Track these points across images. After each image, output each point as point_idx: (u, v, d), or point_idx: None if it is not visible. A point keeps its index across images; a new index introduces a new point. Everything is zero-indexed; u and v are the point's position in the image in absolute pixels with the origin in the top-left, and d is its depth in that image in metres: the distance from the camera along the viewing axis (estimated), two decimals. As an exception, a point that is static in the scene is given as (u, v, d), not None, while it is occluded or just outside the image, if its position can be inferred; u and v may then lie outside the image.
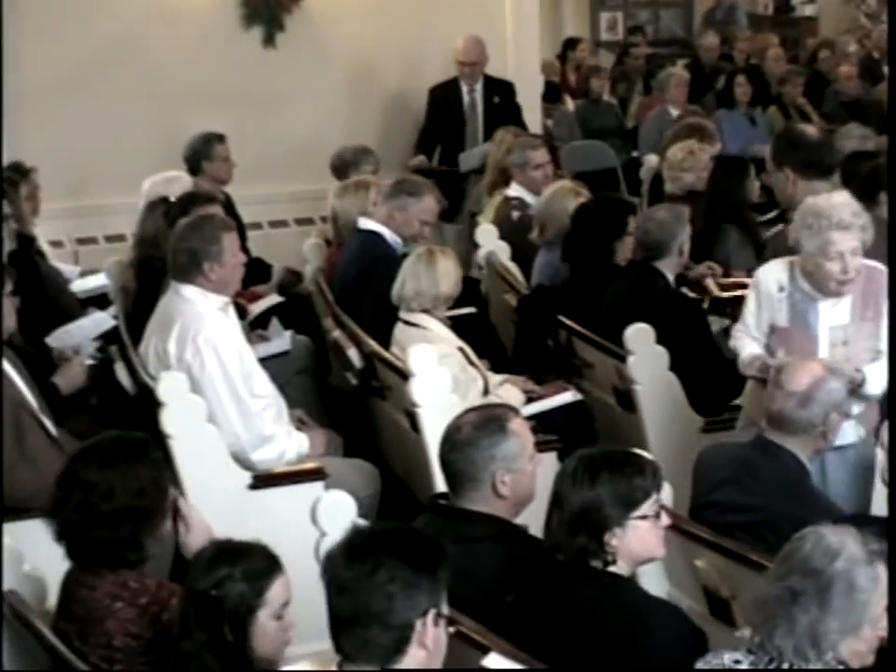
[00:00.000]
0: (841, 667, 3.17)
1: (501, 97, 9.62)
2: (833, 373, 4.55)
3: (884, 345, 5.02)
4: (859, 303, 5.01)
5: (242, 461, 5.36)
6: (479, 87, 9.55)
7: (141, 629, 3.67)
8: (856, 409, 4.97)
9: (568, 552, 3.71)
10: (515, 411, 4.34)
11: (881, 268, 5.08)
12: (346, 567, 3.04)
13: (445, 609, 3.14)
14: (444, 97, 9.53)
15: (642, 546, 3.78)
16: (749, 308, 5.21)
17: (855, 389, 4.90)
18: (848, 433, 4.93)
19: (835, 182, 7.58)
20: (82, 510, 3.74)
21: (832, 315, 5.01)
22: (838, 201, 4.99)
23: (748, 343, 5.20)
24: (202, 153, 8.11)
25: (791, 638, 3.14)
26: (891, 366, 5.61)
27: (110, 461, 3.80)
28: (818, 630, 3.13)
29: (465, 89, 9.53)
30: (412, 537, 3.20)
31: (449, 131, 9.47)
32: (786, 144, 5.84)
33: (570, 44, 14.25)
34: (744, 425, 5.26)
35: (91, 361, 5.88)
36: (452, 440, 4.11)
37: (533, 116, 10.34)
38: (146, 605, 3.69)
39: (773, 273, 5.13)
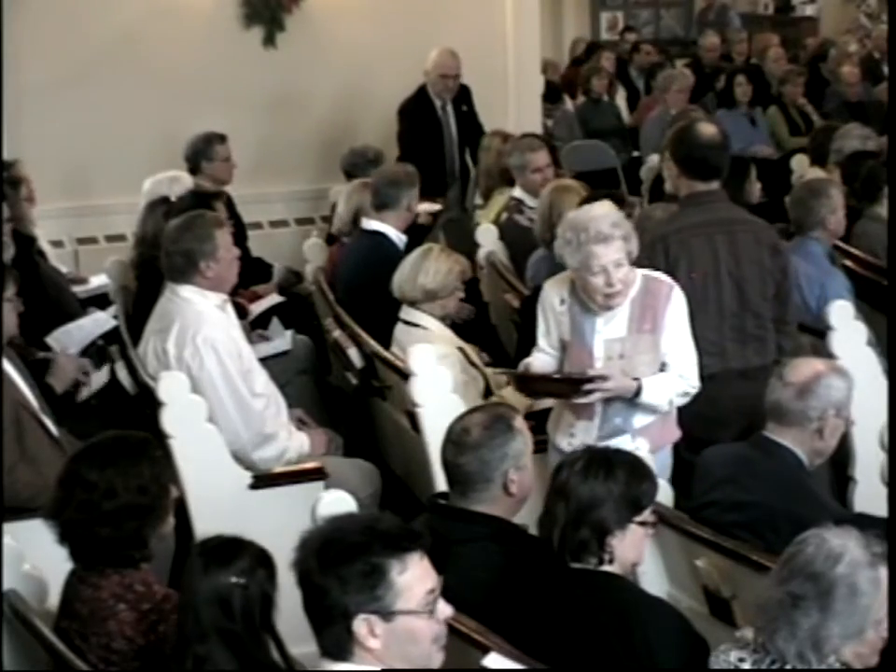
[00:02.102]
0: (843, 668, 3.16)
1: (467, 104, 9.45)
2: (838, 373, 4.52)
3: (671, 358, 4.86)
4: (636, 316, 4.84)
5: (242, 460, 5.36)
6: (449, 97, 9.33)
7: (135, 634, 3.66)
8: (637, 422, 4.86)
9: (569, 544, 3.70)
10: (515, 409, 4.37)
11: (662, 278, 4.93)
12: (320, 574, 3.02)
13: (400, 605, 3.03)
14: (419, 114, 9.24)
15: (634, 552, 3.80)
16: (539, 325, 5.06)
17: (631, 399, 4.80)
18: (622, 446, 4.70)
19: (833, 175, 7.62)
20: (85, 509, 3.74)
21: (607, 328, 4.84)
22: (597, 212, 4.82)
23: (533, 358, 5.03)
24: (202, 153, 8.12)
25: (793, 642, 3.13)
26: (892, 370, 5.63)
27: (112, 460, 3.80)
28: (819, 635, 3.11)
29: (437, 103, 9.27)
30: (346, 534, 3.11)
31: (429, 149, 9.10)
32: (675, 138, 5.70)
33: (593, 49, 14.17)
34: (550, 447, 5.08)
35: (75, 350, 5.87)
36: (461, 442, 4.10)
37: (533, 116, 10.36)
38: (146, 611, 3.69)
39: (555, 287, 4.98)
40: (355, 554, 3.01)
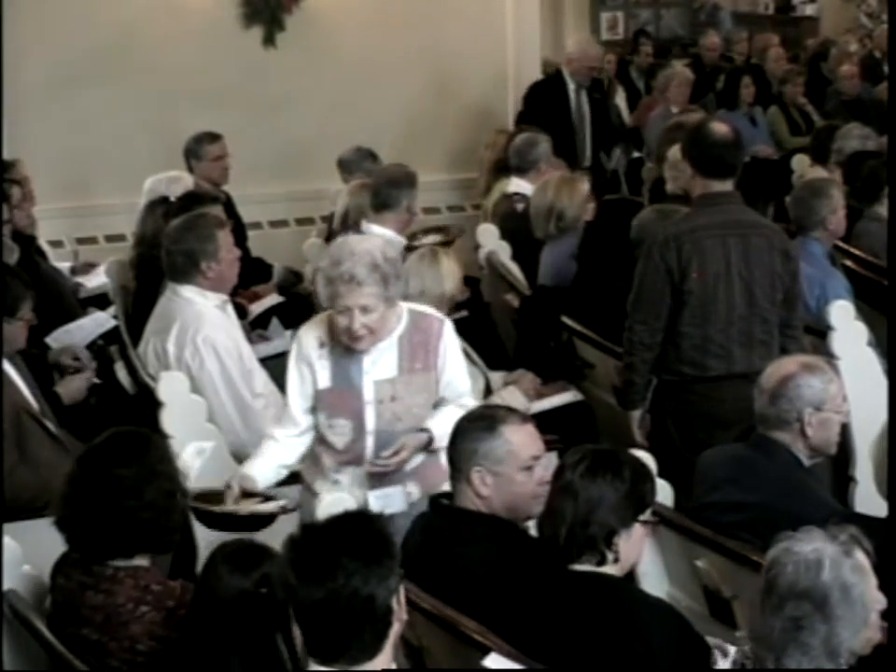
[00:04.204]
0: (845, 667, 3.13)
1: (599, 92, 10.02)
2: (810, 370, 4.49)
3: (452, 392, 4.59)
4: (406, 355, 4.49)
5: (242, 460, 5.35)
6: (585, 84, 9.75)
7: (168, 631, 3.64)
8: (408, 465, 4.52)
9: (577, 540, 3.67)
10: (526, 418, 4.20)
11: (430, 314, 4.64)
12: (314, 586, 2.95)
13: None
14: (551, 96, 9.54)
15: (635, 552, 3.78)
16: (290, 383, 4.58)
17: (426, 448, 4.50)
18: (395, 501, 4.49)
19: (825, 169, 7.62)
20: (118, 501, 3.69)
21: (376, 369, 4.48)
22: (360, 248, 4.38)
23: (247, 467, 4.63)
24: (192, 152, 8.10)
25: (807, 659, 3.07)
26: (892, 370, 5.62)
27: (139, 452, 3.77)
28: (832, 644, 3.06)
29: (572, 86, 9.61)
30: (358, 530, 3.07)
31: (558, 134, 8.82)
32: (690, 139, 5.70)
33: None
34: None
35: (95, 380, 5.86)
36: (452, 432, 4.13)
37: (533, 115, 10.37)
38: (172, 608, 3.67)
39: (312, 331, 4.55)
40: (384, 549, 3.02)
